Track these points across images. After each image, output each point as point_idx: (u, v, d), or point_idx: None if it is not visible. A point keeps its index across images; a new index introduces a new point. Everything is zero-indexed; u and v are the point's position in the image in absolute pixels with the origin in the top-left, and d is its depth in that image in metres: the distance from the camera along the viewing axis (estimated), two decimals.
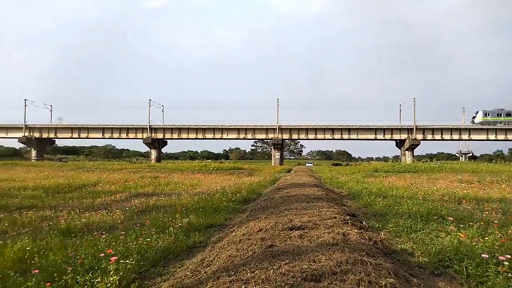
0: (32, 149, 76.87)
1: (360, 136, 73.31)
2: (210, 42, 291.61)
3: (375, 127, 71.59)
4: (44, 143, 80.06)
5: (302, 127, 73.60)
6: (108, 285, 3.93)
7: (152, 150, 76.68)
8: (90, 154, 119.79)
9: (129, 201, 11.96)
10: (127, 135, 77.17)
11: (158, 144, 76.42)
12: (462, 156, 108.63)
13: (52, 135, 78.32)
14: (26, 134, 75.20)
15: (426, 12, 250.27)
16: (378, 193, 13.08)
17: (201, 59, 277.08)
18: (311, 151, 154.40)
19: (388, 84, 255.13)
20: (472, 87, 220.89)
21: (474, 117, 72.87)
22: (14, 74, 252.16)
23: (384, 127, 71.52)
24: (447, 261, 4.90)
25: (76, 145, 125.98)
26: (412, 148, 70.22)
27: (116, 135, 77.12)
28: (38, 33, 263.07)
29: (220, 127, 74.73)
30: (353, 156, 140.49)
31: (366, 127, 71.93)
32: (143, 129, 75.35)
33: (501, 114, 70.31)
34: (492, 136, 69.64)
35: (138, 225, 7.30)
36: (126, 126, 75.89)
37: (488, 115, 70.65)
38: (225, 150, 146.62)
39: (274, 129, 72.87)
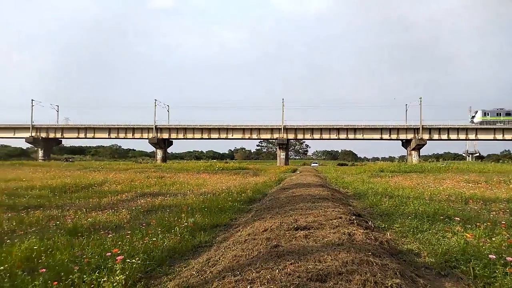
0: (39, 149, 77.54)
1: (365, 136, 73.02)
2: (210, 42, 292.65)
3: (381, 127, 71.25)
4: (51, 143, 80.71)
5: (308, 127, 73.47)
6: (114, 284, 3.95)
7: (157, 150, 76.97)
8: (97, 154, 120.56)
9: (135, 200, 12.01)
10: (133, 135, 77.57)
11: (163, 144, 76.68)
12: (469, 156, 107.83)
13: (58, 135, 78.97)
14: (33, 134, 75.87)
15: (426, 12, 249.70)
16: (384, 193, 13.02)
17: (201, 59, 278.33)
18: (317, 151, 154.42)
19: (387, 84, 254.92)
20: (472, 87, 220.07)
21: (473, 117, 72.39)
22: (14, 74, 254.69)
23: (390, 127, 71.16)
24: (454, 262, 4.86)
25: (83, 145, 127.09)
26: (418, 148, 69.79)
27: (122, 135, 77.55)
28: (38, 33, 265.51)
29: (225, 127, 74.85)
30: (358, 156, 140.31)
31: (372, 127, 71.63)
32: (148, 129, 75.69)
33: (500, 114, 69.82)
34: (499, 136, 69.07)
35: (144, 224, 7.33)
36: (132, 126, 76.29)
37: (488, 115, 70.17)
38: (230, 150, 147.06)
39: (279, 129, 72.82)
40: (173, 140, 78.94)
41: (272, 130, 74.40)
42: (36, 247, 5.29)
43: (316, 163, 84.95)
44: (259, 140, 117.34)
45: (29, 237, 5.88)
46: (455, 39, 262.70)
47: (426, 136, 69.56)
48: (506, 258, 4.25)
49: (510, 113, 69.97)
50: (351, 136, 72.82)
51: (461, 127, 69.53)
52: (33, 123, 75.97)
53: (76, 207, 10.21)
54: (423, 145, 69.80)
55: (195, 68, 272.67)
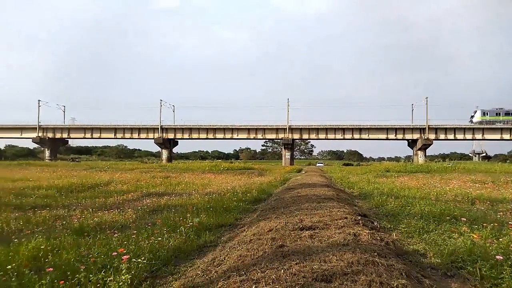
0: (46, 149, 78.16)
1: (371, 136, 72.70)
2: (210, 42, 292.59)
3: (387, 126, 70.86)
4: (58, 143, 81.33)
5: (313, 127, 73.28)
6: (120, 284, 3.96)
7: (163, 150, 77.24)
8: (103, 154, 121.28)
9: (140, 200, 12.06)
10: (138, 135, 77.93)
11: (169, 144, 76.93)
12: (475, 156, 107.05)
13: (65, 135, 79.59)
14: (40, 134, 76.48)
15: (426, 12, 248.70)
16: (389, 194, 12.96)
17: (201, 59, 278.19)
18: (322, 151, 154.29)
19: (387, 84, 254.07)
20: (473, 87, 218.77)
21: (472, 117, 71.81)
22: (19, 74, 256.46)
23: (396, 126, 70.78)
24: (460, 262, 4.83)
25: (89, 145, 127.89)
26: (424, 148, 69.34)
27: (128, 135, 77.94)
28: (38, 33, 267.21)
29: (230, 127, 74.91)
30: (364, 156, 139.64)
31: (378, 127, 71.29)
32: (154, 129, 75.99)
33: (500, 114, 69.30)
34: (506, 136, 68.41)
35: (149, 224, 7.37)
36: (137, 127, 76.63)
37: (487, 115, 69.66)
38: (235, 150, 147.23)
39: (285, 129, 72.75)
40: (178, 140, 79.18)
41: (277, 130, 74.33)
42: (43, 247, 5.33)
43: (321, 163, 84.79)
44: (264, 140, 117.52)
45: (36, 237, 5.93)
46: (455, 39, 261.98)
47: (432, 136, 69.10)
48: None
49: (509, 113, 69.48)
50: (356, 136, 72.53)
51: (468, 127, 69.03)
52: (39, 124, 76.61)
53: (82, 207, 10.28)
54: (429, 145, 69.36)
55: (196, 68, 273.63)
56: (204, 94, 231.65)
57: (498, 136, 69.01)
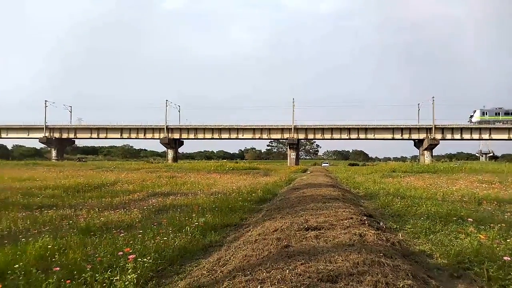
0: (52, 149, 78.83)
1: (377, 136, 72.40)
2: (209, 42, 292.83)
3: (393, 126, 70.51)
4: (64, 143, 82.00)
5: (318, 127, 73.13)
6: (126, 283, 3.98)
7: (169, 150, 77.52)
8: (109, 154, 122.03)
9: (146, 200, 12.11)
10: (144, 136, 78.29)
11: (174, 144, 77.20)
12: (482, 156, 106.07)
13: (72, 136, 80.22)
14: (47, 134, 77.11)
15: (436, 11, 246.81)
16: (395, 194, 12.90)
17: (200, 59, 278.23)
18: (327, 151, 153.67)
19: (394, 83, 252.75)
20: (481, 86, 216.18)
21: (471, 116, 71.23)
22: (23, 75, 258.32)
23: (402, 126, 70.39)
24: (467, 263, 4.80)
25: (95, 145, 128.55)
26: (431, 148, 68.94)
27: (134, 135, 78.36)
28: (45, 33, 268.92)
29: (235, 127, 74.99)
30: (370, 156, 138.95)
31: (384, 126, 70.96)
32: (160, 130, 76.29)
33: (499, 113, 68.75)
34: None
35: (155, 224, 7.40)
36: (143, 127, 76.99)
37: (486, 114, 69.13)
38: (240, 150, 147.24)
39: (290, 129, 72.68)
40: (184, 140, 79.41)
41: (282, 130, 74.28)
42: (49, 246, 5.37)
43: (327, 163, 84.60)
44: (269, 140, 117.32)
45: (43, 236, 5.97)
46: (456, 39, 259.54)
47: (438, 136, 68.66)
48: None
49: (509, 113, 68.88)
50: (362, 136, 72.28)
51: (475, 127, 68.46)
52: (46, 124, 77.25)
53: (88, 207, 10.34)
54: (436, 145, 68.94)
55: (195, 69, 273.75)
56: (203, 94, 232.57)
57: (505, 136, 68.38)
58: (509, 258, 4.26)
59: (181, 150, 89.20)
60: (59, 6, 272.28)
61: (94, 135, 79.20)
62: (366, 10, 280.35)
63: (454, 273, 4.59)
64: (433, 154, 71.14)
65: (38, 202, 11.07)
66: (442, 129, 68.91)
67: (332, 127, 72.46)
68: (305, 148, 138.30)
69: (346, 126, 72.04)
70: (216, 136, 76.58)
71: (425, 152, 69.00)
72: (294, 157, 73.51)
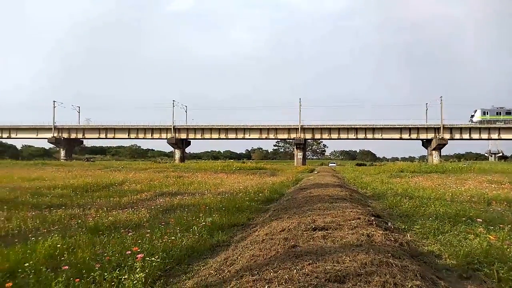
0: (61, 149, 79.54)
1: (384, 136, 71.93)
2: (209, 42, 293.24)
3: (400, 126, 70.02)
4: (73, 143, 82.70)
5: (325, 126, 72.88)
6: (134, 282, 4.01)
7: (176, 150, 77.82)
8: (117, 154, 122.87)
9: (154, 200, 12.17)
10: (151, 136, 78.68)
11: (181, 144, 77.48)
12: (491, 156, 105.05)
13: (80, 136, 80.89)
14: (55, 134, 77.84)
15: (440, 11, 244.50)
16: (403, 194, 12.81)
17: (200, 59, 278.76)
18: (334, 151, 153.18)
19: (401, 83, 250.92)
20: (490, 85, 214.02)
21: (472, 116, 70.41)
22: (31, 75, 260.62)
23: (410, 126, 69.87)
24: (476, 264, 4.74)
25: (103, 145, 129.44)
26: (439, 147, 68.35)
27: (141, 135, 78.81)
28: (52, 33, 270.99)
29: (242, 127, 75.05)
30: (377, 156, 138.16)
31: (391, 126, 70.46)
32: (167, 130, 76.61)
33: (500, 113, 67.94)
34: None
35: (163, 223, 7.44)
36: (150, 127, 77.38)
37: (487, 114, 68.36)
38: (247, 150, 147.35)
39: (297, 129, 72.54)
40: (191, 140, 79.66)
41: (289, 130, 74.16)
42: (59, 245, 5.43)
43: (334, 163, 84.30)
44: (276, 140, 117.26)
45: (52, 235, 6.04)
46: (457, 39, 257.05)
47: (447, 136, 68.03)
48: None
49: (510, 112, 68.06)
50: (369, 135, 71.87)
51: (484, 126, 67.71)
52: (55, 124, 77.99)
53: (97, 206, 10.42)
54: (444, 145, 68.32)
55: (194, 69, 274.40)
56: (211, 94, 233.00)
57: None
58: None
59: (188, 150, 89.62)
60: (59, 6, 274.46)
61: (102, 135, 79.80)
62: (366, 10, 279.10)
63: (463, 274, 4.55)
64: (442, 154, 70.50)
65: (47, 202, 11.18)
66: (451, 129, 68.27)
67: (339, 127, 72.16)
68: (312, 148, 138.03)
69: (353, 126, 71.69)
70: (223, 136, 76.71)
71: (434, 152, 68.43)
72: (301, 157, 73.34)
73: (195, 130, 76.79)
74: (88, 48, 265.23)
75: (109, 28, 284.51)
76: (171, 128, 75.87)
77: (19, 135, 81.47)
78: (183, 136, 76.90)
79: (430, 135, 69.24)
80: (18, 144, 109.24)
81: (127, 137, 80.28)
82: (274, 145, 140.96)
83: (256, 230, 6.94)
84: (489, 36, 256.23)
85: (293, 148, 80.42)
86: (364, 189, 17.25)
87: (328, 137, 75.13)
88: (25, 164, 47.31)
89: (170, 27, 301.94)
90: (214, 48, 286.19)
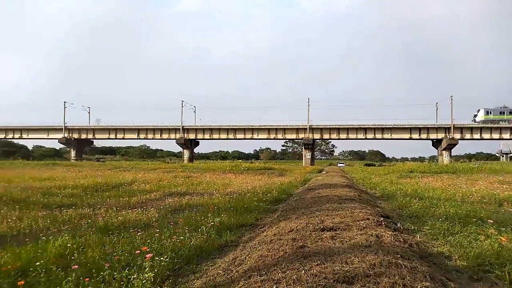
0: (72, 149, 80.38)
1: (394, 136, 71.31)
2: (209, 42, 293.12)
3: (410, 126, 69.37)
4: (83, 143, 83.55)
5: (334, 126, 72.51)
6: (143, 282, 4.04)
7: (184, 150, 78.16)
8: (126, 154, 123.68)
9: (163, 200, 12.25)
10: (160, 136, 79.10)
11: (190, 144, 77.78)
12: (503, 156, 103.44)
13: (90, 136, 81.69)
14: (66, 135, 78.70)
15: (448, 10, 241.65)
16: (413, 195, 12.70)
17: (200, 59, 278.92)
18: (343, 151, 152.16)
19: (411, 82, 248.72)
20: (472, 86, 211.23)
21: (475, 116, 69.42)
22: (41, 77, 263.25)
23: (420, 126, 69.15)
24: (487, 266, 4.68)
25: (113, 146, 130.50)
26: (449, 148, 67.56)
27: (150, 135, 79.30)
28: (59, 34, 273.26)
29: (250, 127, 75.06)
30: (386, 156, 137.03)
31: (401, 126, 69.80)
32: (176, 130, 76.94)
33: (504, 112, 66.86)
34: None
35: (172, 223, 7.48)
36: (159, 127, 77.82)
37: (490, 113, 67.33)
38: (255, 150, 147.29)
39: (305, 129, 72.30)
40: (199, 140, 79.96)
41: (297, 130, 73.95)
42: (69, 245, 5.49)
43: (343, 163, 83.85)
44: (284, 140, 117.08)
45: (62, 235, 6.12)
46: (459, 39, 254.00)
47: (457, 136, 67.21)
48: None
49: None
50: (378, 135, 71.32)
51: (494, 126, 66.75)
52: (65, 125, 78.85)
53: (107, 206, 10.52)
54: (455, 145, 67.54)
55: (195, 69, 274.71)
56: (211, 94, 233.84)
57: None
58: None
59: (196, 150, 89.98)
60: (59, 6, 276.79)
61: (112, 136, 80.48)
62: (367, 10, 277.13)
63: (474, 276, 4.49)
64: (452, 154, 69.82)
65: (58, 201, 11.32)
66: (461, 129, 67.46)
67: (348, 127, 71.75)
68: (321, 148, 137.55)
69: (362, 126, 71.22)
70: (231, 136, 76.80)
71: (444, 152, 67.69)
72: (309, 157, 73.09)
73: (203, 130, 77.05)
74: (88, 48, 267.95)
75: (109, 28, 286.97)
76: (179, 129, 76.20)
77: (30, 136, 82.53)
78: (192, 136, 77.20)
79: (440, 135, 68.49)
80: (29, 144, 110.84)
81: (137, 137, 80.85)
82: (283, 145, 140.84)
83: (264, 231, 6.94)
84: (489, 36, 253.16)
85: (302, 148, 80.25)
86: (373, 190, 17.15)
87: (336, 137, 74.75)
88: (36, 164, 47.99)
89: (170, 27, 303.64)
90: (214, 47, 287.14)
